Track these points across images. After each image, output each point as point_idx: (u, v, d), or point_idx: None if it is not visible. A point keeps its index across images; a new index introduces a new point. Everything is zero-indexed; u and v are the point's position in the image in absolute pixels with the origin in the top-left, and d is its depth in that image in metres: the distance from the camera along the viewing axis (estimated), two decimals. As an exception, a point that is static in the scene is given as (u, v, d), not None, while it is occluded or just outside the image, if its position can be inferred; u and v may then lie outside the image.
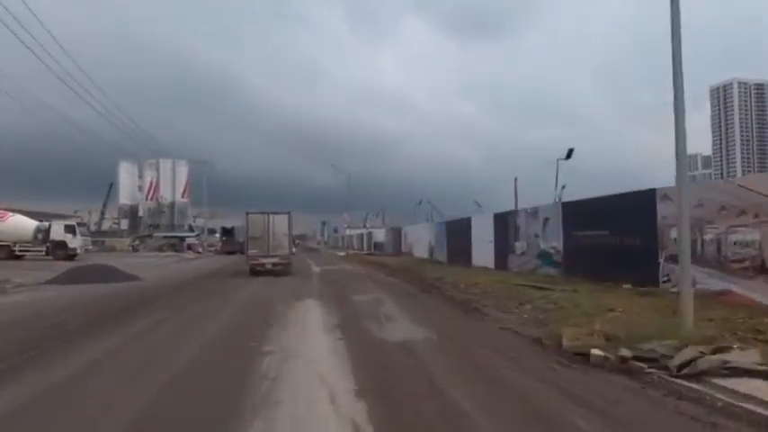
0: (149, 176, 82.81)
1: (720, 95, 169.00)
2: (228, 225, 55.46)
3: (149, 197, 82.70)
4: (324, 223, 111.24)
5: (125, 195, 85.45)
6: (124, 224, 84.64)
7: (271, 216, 20.77)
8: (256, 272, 20.07)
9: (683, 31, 6.63)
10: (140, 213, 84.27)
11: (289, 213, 21.30)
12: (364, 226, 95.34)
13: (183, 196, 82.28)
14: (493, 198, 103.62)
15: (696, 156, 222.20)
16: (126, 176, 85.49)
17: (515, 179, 27.77)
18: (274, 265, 20.25)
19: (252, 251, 20.51)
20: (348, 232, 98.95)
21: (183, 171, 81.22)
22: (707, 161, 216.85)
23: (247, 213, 21.05)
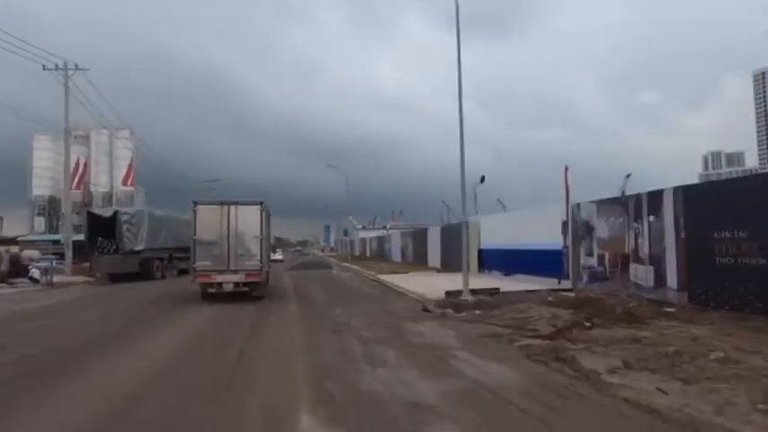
0: (75, 154, 56.82)
1: (766, 81, 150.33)
2: (108, 212, 26.13)
3: (75, 184, 56.78)
4: (328, 227, 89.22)
5: (42, 183, 59.19)
6: (40, 224, 58.89)
7: (232, 208, 13.95)
8: (210, 296, 13.97)
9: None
10: (63, 209, 58.29)
11: (261, 204, 14.29)
12: (384, 227, 72.08)
13: (126, 183, 57.01)
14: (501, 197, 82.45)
15: (719, 153, 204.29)
16: (43, 156, 59.38)
17: (566, 168, 16.86)
18: (237, 285, 13.88)
19: (202, 263, 13.77)
20: (362, 234, 74.61)
21: (125, 146, 55.85)
22: (732, 158, 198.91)
23: (195, 204, 14.03)
